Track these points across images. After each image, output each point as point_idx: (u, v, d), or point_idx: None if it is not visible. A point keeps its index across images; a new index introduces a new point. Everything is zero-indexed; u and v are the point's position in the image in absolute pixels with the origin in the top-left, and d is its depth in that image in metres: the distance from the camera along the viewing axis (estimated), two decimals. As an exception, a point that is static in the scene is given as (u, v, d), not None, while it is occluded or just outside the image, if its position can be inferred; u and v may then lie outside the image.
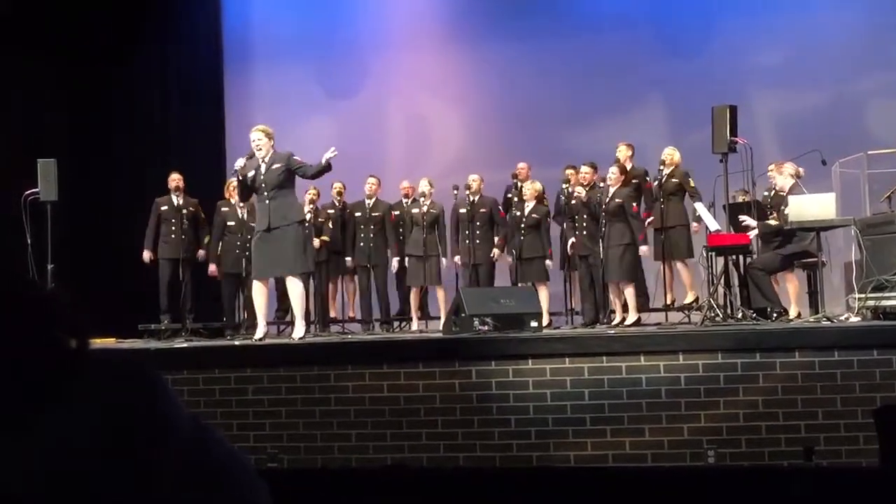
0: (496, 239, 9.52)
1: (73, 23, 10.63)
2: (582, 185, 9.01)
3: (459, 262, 9.54)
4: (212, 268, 9.66)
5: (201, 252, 9.64)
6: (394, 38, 12.00)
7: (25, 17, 10.12)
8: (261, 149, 7.40)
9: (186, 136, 11.64)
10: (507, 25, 11.66)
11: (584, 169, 9.10)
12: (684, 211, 8.94)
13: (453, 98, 11.97)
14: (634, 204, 8.70)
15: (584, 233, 8.89)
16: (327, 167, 7.28)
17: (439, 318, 9.37)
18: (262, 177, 7.35)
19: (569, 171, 9.64)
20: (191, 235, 9.55)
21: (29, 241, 8.28)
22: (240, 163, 7.52)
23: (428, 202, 9.55)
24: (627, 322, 8.47)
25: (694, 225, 8.87)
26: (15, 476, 0.88)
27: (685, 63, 11.13)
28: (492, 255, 9.43)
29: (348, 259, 9.92)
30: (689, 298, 8.88)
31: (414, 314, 9.61)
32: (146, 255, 9.49)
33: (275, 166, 7.34)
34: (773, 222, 8.10)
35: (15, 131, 9.79)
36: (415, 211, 9.56)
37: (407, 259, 9.60)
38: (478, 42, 11.81)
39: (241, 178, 7.52)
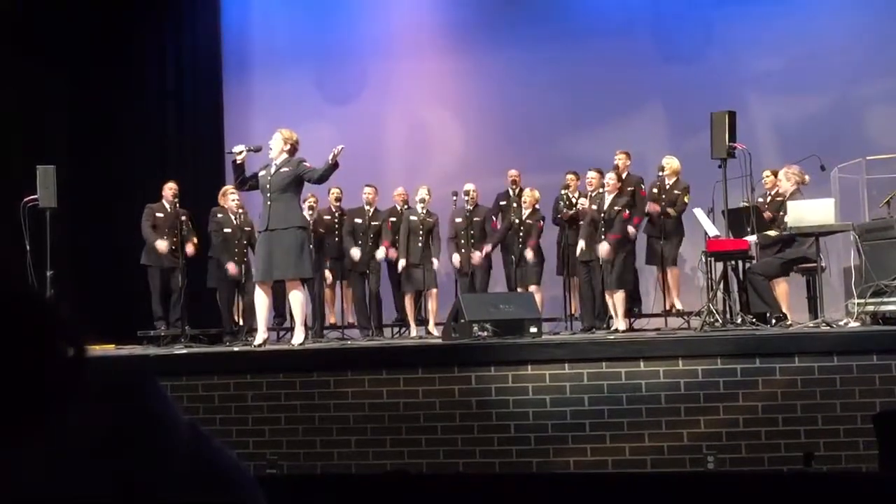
0: (487, 246, 9.55)
1: (72, 30, 10.64)
2: (587, 190, 9.03)
3: (458, 263, 9.52)
4: (230, 266, 9.38)
5: (190, 247, 9.41)
6: (393, 46, 12.01)
7: (25, 23, 10.13)
8: (272, 149, 7.44)
9: (185, 144, 11.65)
10: (506, 33, 11.67)
11: (591, 174, 9.10)
12: (681, 222, 9.00)
13: (453, 105, 11.98)
14: (626, 211, 8.71)
15: (588, 238, 8.92)
16: (334, 166, 7.26)
17: (429, 321, 9.51)
18: (269, 177, 7.37)
19: (570, 177, 9.66)
20: (182, 243, 9.49)
21: (28, 247, 8.27)
22: (237, 148, 7.52)
23: (425, 210, 9.58)
24: (612, 328, 8.51)
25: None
26: (13, 485, 0.88)
27: (684, 69, 11.14)
28: (472, 258, 9.41)
29: (355, 251, 9.71)
30: (678, 305, 8.97)
31: (411, 320, 9.63)
32: (161, 245, 9.22)
33: (283, 170, 7.36)
34: (772, 233, 8.09)
35: (14, 137, 9.79)
36: (413, 218, 9.58)
37: (403, 262, 9.58)
38: (477, 49, 11.81)
39: (235, 161, 7.51)
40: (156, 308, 9.46)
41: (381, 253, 9.70)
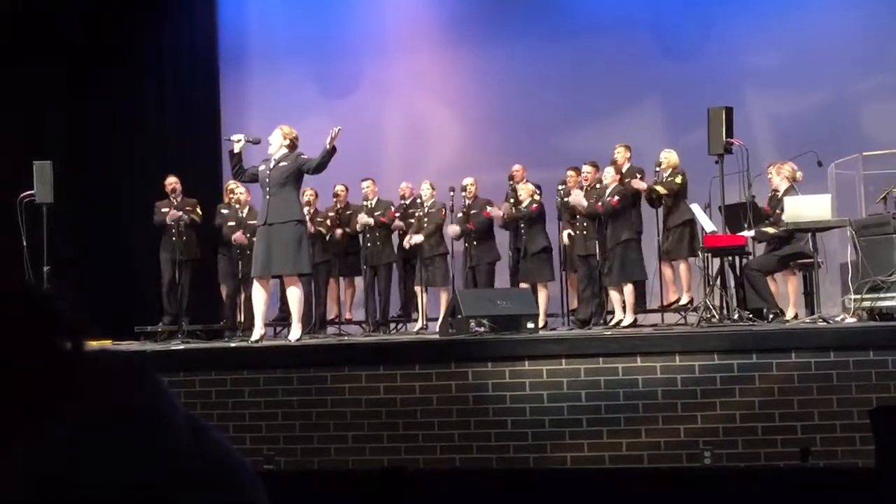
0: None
1: (70, 25, 10.63)
2: (583, 184, 9.02)
3: (457, 232, 9.46)
4: (237, 235, 9.43)
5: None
6: (390, 41, 11.99)
7: (24, 19, 10.11)
8: (271, 144, 7.47)
9: (183, 139, 11.64)
10: (503, 28, 11.66)
11: (586, 168, 9.10)
12: (686, 210, 8.94)
13: (450, 100, 11.96)
14: (617, 198, 8.62)
15: (584, 233, 8.90)
16: (332, 151, 7.25)
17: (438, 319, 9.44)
18: (268, 172, 7.39)
19: (570, 173, 9.63)
20: (190, 237, 9.55)
21: (25, 242, 8.27)
22: (236, 136, 7.55)
23: (429, 203, 9.58)
24: (623, 324, 8.48)
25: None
26: (11, 481, 0.88)
27: (682, 65, 11.13)
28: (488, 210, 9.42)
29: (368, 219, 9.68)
30: (684, 300, 8.89)
31: (420, 314, 9.60)
32: (173, 213, 9.40)
33: (282, 164, 7.39)
34: (769, 230, 8.09)
35: (11, 133, 9.78)
36: (417, 213, 9.59)
37: (416, 238, 9.55)
38: (474, 44, 11.80)
39: (232, 150, 7.54)
40: (165, 301, 9.50)
41: (413, 240, 9.60)
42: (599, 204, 8.55)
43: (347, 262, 9.98)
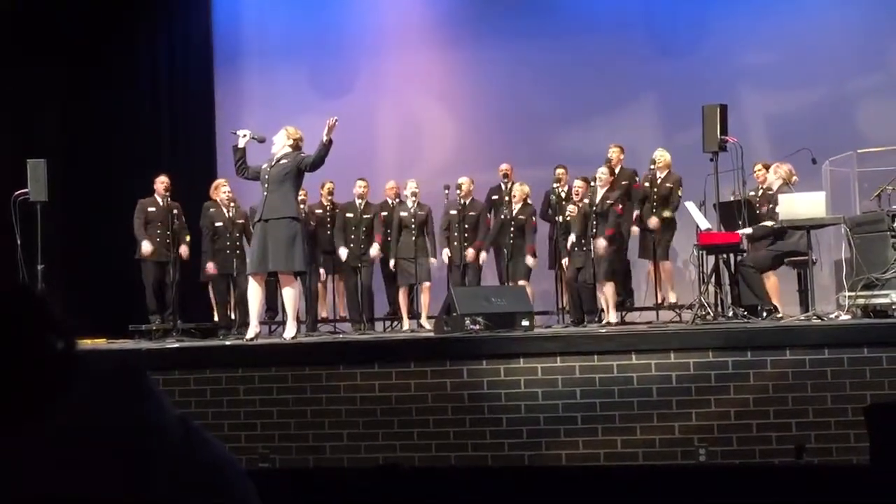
0: (483, 253, 9.54)
1: (64, 23, 10.60)
2: (574, 200, 9.00)
3: (445, 258, 9.54)
4: (209, 266, 9.47)
5: (184, 249, 9.42)
6: (385, 39, 11.98)
7: (23, 19, 10.08)
8: (275, 144, 7.53)
9: (177, 138, 11.61)
10: (498, 26, 11.65)
11: (577, 183, 9.04)
12: (673, 216, 8.99)
13: (445, 98, 11.96)
14: (619, 206, 8.71)
15: (583, 249, 8.81)
16: (328, 143, 7.28)
17: (421, 315, 9.52)
18: (269, 169, 7.42)
19: (559, 171, 9.64)
20: (174, 238, 9.44)
21: (18, 241, 8.25)
22: (242, 131, 7.59)
23: (415, 203, 9.57)
24: (604, 321, 8.50)
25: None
26: (9, 481, 0.88)
27: (676, 63, 11.14)
28: (465, 255, 9.39)
29: (343, 251, 9.72)
30: (672, 298, 8.98)
31: (404, 314, 9.62)
32: (146, 247, 9.19)
33: (282, 161, 7.41)
34: (768, 223, 8.10)
35: (4, 132, 9.75)
36: (403, 213, 9.58)
37: (394, 260, 9.59)
38: (469, 42, 11.79)
39: (235, 145, 7.58)
40: (150, 302, 9.41)
41: (374, 250, 9.67)
42: (609, 229, 8.56)
43: (335, 261, 9.95)
